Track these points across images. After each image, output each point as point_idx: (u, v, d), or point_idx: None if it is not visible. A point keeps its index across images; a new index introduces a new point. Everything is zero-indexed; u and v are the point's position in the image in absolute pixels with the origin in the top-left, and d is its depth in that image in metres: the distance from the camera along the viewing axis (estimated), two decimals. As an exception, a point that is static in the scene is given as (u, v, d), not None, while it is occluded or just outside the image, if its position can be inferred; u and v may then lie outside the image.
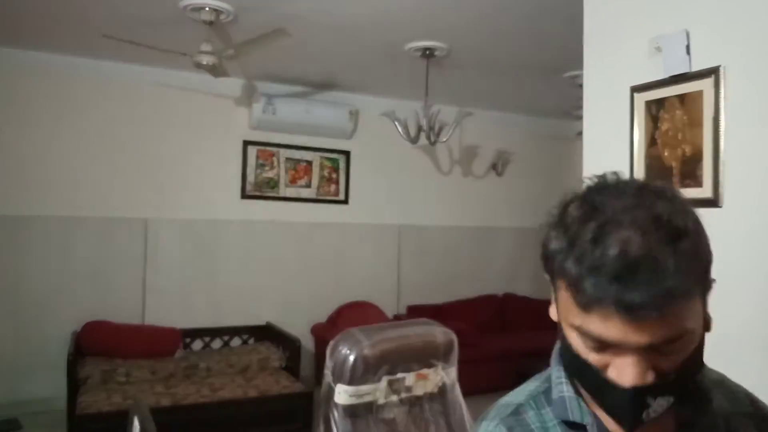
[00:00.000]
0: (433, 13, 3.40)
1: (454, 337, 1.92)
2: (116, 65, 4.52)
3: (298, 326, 4.98)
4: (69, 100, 4.45)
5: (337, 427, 1.67)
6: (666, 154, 1.87)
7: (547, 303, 0.77)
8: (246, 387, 3.99)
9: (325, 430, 1.70)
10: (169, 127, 4.78)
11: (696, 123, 1.77)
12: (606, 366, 0.66)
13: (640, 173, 1.94)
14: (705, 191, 1.73)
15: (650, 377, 0.64)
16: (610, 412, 0.68)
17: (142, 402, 1.95)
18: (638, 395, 0.64)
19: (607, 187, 0.68)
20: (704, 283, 0.68)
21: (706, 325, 0.70)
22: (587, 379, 0.69)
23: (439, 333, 1.90)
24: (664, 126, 1.87)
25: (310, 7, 3.32)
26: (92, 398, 3.61)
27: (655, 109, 1.89)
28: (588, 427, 0.72)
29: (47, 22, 3.67)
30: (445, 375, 1.88)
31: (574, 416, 0.73)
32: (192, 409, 3.66)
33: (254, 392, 3.91)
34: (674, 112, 1.83)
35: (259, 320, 5.04)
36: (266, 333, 4.94)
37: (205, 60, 3.43)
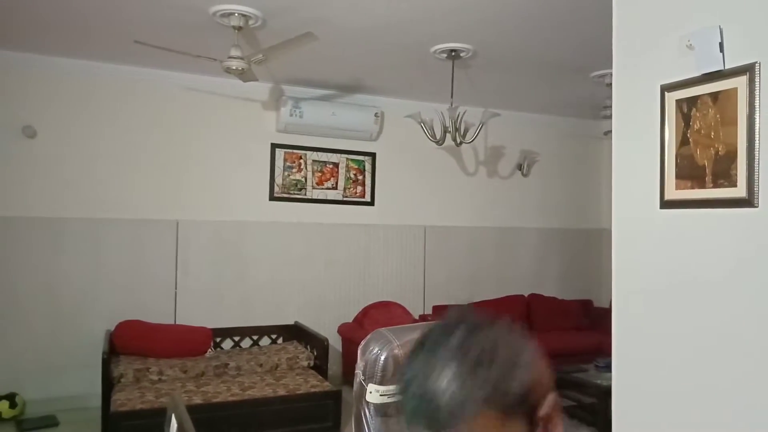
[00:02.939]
0: (459, 15, 3.40)
1: (484, 338, 1.92)
2: (148, 71, 4.63)
3: (326, 326, 5.03)
4: (102, 106, 4.57)
5: (369, 426, 1.69)
6: (698, 153, 1.85)
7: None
8: (275, 386, 4.04)
9: (357, 428, 1.72)
10: (199, 130, 4.87)
11: (730, 121, 1.74)
12: None
13: (670, 173, 1.92)
14: (739, 191, 1.71)
15: None
16: None
17: (179, 399, 1.99)
18: None
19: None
20: (511, 403, 0.65)
21: None
22: None
23: (469, 333, 1.91)
24: (696, 125, 1.85)
25: (336, 11, 3.36)
26: (126, 396, 3.69)
27: (686, 107, 1.87)
28: None
29: (82, 31, 3.78)
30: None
31: None
32: (223, 408, 3.72)
33: (283, 391, 3.96)
34: (707, 111, 1.81)
35: (287, 320, 5.10)
36: (294, 332, 5.00)
37: (235, 65, 3.49)
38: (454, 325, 0.68)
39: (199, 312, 4.82)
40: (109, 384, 3.80)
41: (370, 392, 1.73)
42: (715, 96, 1.79)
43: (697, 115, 1.84)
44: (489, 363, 0.65)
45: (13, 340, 4.29)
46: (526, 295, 6.04)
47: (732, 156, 1.74)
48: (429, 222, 5.76)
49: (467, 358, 0.64)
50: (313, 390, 4.02)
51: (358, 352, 1.79)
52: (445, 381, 0.63)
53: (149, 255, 4.71)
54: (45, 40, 4.00)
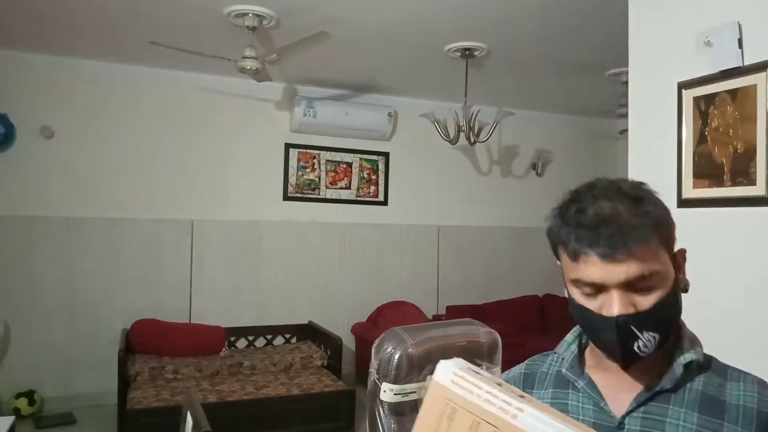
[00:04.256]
0: (473, 14, 3.39)
1: (498, 337, 1.91)
2: (163, 72, 4.67)
3: (339, 325, 5.04)
4: (119, 106, 4.62)
5: (383, 425, 1.69)
6: (716, 151, 1.82)
7: None
8: (289, 385, 4.06)
9: (371, 427, 1.72)
10: (214, 131, 4.90)
11: (749, 119, 1.72)
12: (600, 308, 0.83)
13: (688, 171, 1.90)
14: (759, 189, 1.69)
15: (632, 309, 0.81)
16: (607, 350, 0.84)
17: (195, 397, 2.01)
18: (624, 324, 0.80)
19: (588, 185, 0.89)
20: (665, 238, 0.85)
21: (683, 287, 0.89)
22: (588, 322, 0.86)
23: (483, 333, 1.90)
24: (713, 122, 1.82)
25: (350, 11, 3.36)
26: (142, 394, 3.73)
27: (704, 105, 1.85)
28: (580, 385, 0.90)
29: (99, 32, 3.82)
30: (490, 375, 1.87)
31: (567, 372, 0.94)
32: (237, 406, 3.74)
33: (297, 390, 3.97)
34: (725, 108, 1.79)
35: (301, 319, 5.12)
36: (308, 332, 5.02)
37: (249, 65, 3.51)
38: (606, 181, 0.88)
39: (213, 311, 4.85)
40: (125, 382, 3.84)
41: (384, 391, 1.73)
42: (733, 93, 1.76)
43: (715, 112, 1.82)
44: (647, 201, 0.84)
45: (33, 338, 4.35)
46: (540, 295, 6.01)
47: (751, 154, 1.72)
48: (443, 222, 5.75)
49: (630, 197, 0.83)
50: (326, 389, 4.02)
51: (372, 350, 1.79)
52: (621, 208, 0.81)
53: (165, 254, 4.75)
54: (62, 42, 4.05)
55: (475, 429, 0.58)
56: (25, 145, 4.34)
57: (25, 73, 4.33)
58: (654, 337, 0.81)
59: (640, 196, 0.85)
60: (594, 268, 0.81)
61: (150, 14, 3.46)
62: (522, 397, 0.60)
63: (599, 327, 0.83)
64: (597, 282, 0.82)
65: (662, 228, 0.85)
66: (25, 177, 4.36)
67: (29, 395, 4.19)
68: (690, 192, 1.88)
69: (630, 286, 0.81)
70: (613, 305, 0.81)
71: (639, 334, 0.80)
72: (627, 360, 0.82)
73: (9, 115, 4.23)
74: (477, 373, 0.62)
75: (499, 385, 0.61)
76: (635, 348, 0.81)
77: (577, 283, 0.85)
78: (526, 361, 1.05)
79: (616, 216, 0.81)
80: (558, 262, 0.92)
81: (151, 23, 3.60)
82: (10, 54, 4.25)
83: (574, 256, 0.83)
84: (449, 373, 0.61)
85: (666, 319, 0.84)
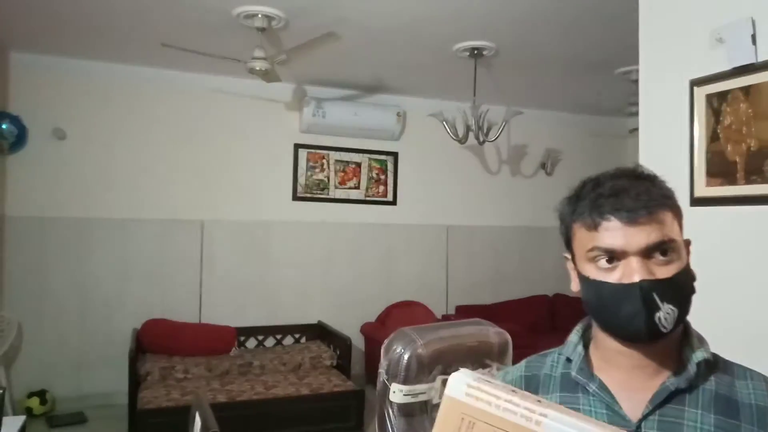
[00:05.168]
0: (481, 13, 3.38)
1: (509, 338, 1.90)
2: (173, 73, 4.69)
3: (349, 325, 5.04)
4: (129, 108, 4.65)
5: (392, 426, 1.69)
6: (729, 149, 1.80)
7: None
8: (298, 385, 4.06)
9: (380, 427, 1.71)
10: (223, 131, 4.92)
11: (763, 116, 1.70)
12: (620, 279, 0.82)
13: (700, 169, 1.88)
14: (773, 187, 1.66)
15: (652, 277, 0.80)
16: (629, 324, 0.81)
17: (203, 397, 2.01)
18: (648, 289, 0.79)
19: (599, 174, 0.91)
20: (679, 218, 0.87)
21: (690, 273, 0.87)
22: (606, 297, 0.83)
23: (493, 333, 1.89)
24: (726, 120, 1.80)
25: (359, 11, 3.36)
26: (152, 394, 3.75)
27: (717, 102, 1.83)
28: (592, 388, 0.87)
29: (110, 34, 3.84)
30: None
31: (578, 374, 0.90)
32: (247, 406, 3.75)
33: (306, 390, 3.98)
34: (738, 106, 1.76)
35: (310, 319, 5.13)
36: (317, 332, 5.02)
37: (258, 66, 3.51)
38: (616, 168, 0.90)
39: (223, 311, 4.87)
40: (136, 381, 3.86)
41: (394, 392, 1.72)
42: (746, 90, 1.74)
43: (728, 110, 1.79)
44: (657, 180, 0.87)
45: (45, 338, 4.38)
46: (550, 295, 5.98)
47: (765, 151, 1.70)
48: (452, 221, 5.73)
49: (644, 176, 0.87)
50: (336, 389, 4.03)
51: (382, 351, 1.79)
52: (636, 183, 0.84)
53: (175, 254, 4.77)
54: (74, 45, 4.08)
55: None
56: (37, 146, 4.37)
57: (37, 75, 4.37)
58: (673, 311, 0.80)
59: (652, 176, 0.88)
60: (615, 234, 0.81)
61: (161, 16, 3.48)
62: (539, 402, 0.58)
63: (620, 298, 0.81)
64: (617, 249, 0.81)
65: (676, 207, 0.87)
66: (37, 178, 4.40)
67: (41, 395, 4.22)
68: (702, 190, 1.86)
69: (649, 255, 0.81)
70: (634, 272, 0.80)
71: (660, 305, 0.79)
72: (651, 333, 0.80)
73: (22, 117, 4.27)
74: (490, 382, 0.60)
75: (514, 392, 0.59)
76: (656, 320, 0.79)
77: (594, 255, 0.84)
78: (523, 363, 1.01)
79: (634, 186, 0.83)
80: (566, 254, 0.92)
81: (162, 25, 3.62)
82: (23, 56, 4.29)
83: (594, 225, 0.83)
84: (462, 385, 0.59)
85: (684, 294, 0.83)
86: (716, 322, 1.75)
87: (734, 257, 1.75)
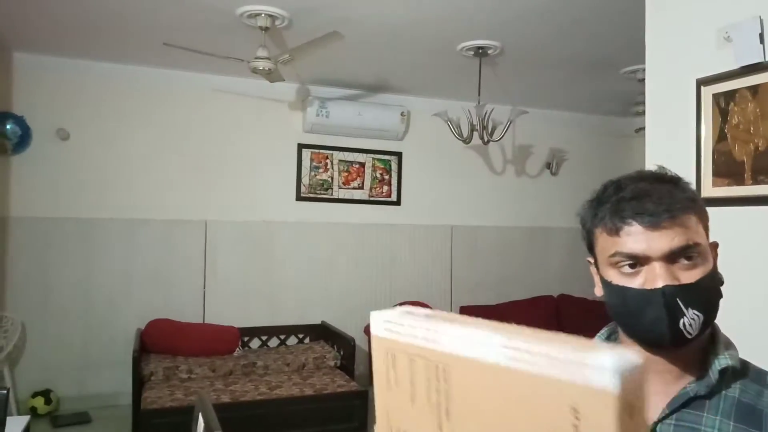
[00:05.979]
0: (486, 12, 3.36)
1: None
2: (176, 73, 4.69)
3: (352, 326, 5.03)
4: (133, 108, 4.65)
5: (395, 427, 1.67)
6: (736, 149, 1.78)
7: (604, 304, 0.89)
8: (302, 385, 4.05)
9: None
10: (227, 131, 4.92)
11: (770, 116, 1.68)
12: (643, 285, 0.80)
13: (707, 169, 1.86)
14: (781, 187, 1.64)
15: (676, 282, 0.79)
16: (652, 330, 0.80)
17: (206, 398, 2.00)
18: (671, 295, 0.78)
19: (620, 177, 0.90)
20: (704, 221, 0.85)
21: (719, 278, 0.86)
22: (630, 303, 0.81)
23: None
24: (734, 119, 1.78)
25: (362, 10, 3.35)
26: (156, 394, 3.74)
27: (724, 102, 1.81)
28: None
29: (113, 34, 3.84)
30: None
31: None
32: (250, 406, 3.74)
33: (310, 391, 3.97)
34: (746, 105, 1.74)
35: (314, 319, 5.12)
36: (321, 332, 5.01)
37: (262, 65, 3.51)
38: (636, 171, 0.90)
39: (227, 311, 4.86)
40: (139, 382, 3.86)
41: (397, 393, 1.71)
42: (754, 89, 1.72)
43: (735, 109, 1.78)
44: (681, 182, 0.85)
45: (49, 338, 4.39)
46: (555, 296, 5.95)
47: (773, 151, 1.68)
48: (456, 222, 5.72)
49: (666, 179, 0.85)
50: (339, 390, 4.02)
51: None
52: (659, 185, 0.83)
53: (179, 255, 4.78)
54: (77, 45, 4.08)
55: (412, 367, 0.56)
56: (41, 147, 4.38)
57: (40, 75, 4.38)
58: (698, 316, 0.78)
59: (676, 178, 0.86)
60: (637, 239, 0.80)
61: (164, 16, 3.48)
62: (450, 321, 0.57)
63: (643, 304, 0.80)
64: (640, 254, 0.80)
65: (701, 210, 0.85)
66: (40, 178, 4.40)
67: (45, 394, 4.23)
68: (709, 191, 1.84)
69: (673, 259, 0.80)
70: (657, 278, 0.79)
71: (685, 310, 0.78)
72: (675, 339, 0.78)
73: (25, 118, 4.27)
74: (410, 313, 0.59)
75: (428, 317, 0.59)
76: (681, 326, 0.78)
77: (617, 261, 0.82)
78: None
79: (656, 189, 0.82)
80: (589, 258, 0.91)
81: (165, 25, 3.62)
82: (27, 57, 4.30)
83: (616, 230, 0.82)
84: (380, 322, 0.59)
85: (710, 299, 0.81)
86: (725, 323, 1.73)
87: (741, 257, 1.73)
